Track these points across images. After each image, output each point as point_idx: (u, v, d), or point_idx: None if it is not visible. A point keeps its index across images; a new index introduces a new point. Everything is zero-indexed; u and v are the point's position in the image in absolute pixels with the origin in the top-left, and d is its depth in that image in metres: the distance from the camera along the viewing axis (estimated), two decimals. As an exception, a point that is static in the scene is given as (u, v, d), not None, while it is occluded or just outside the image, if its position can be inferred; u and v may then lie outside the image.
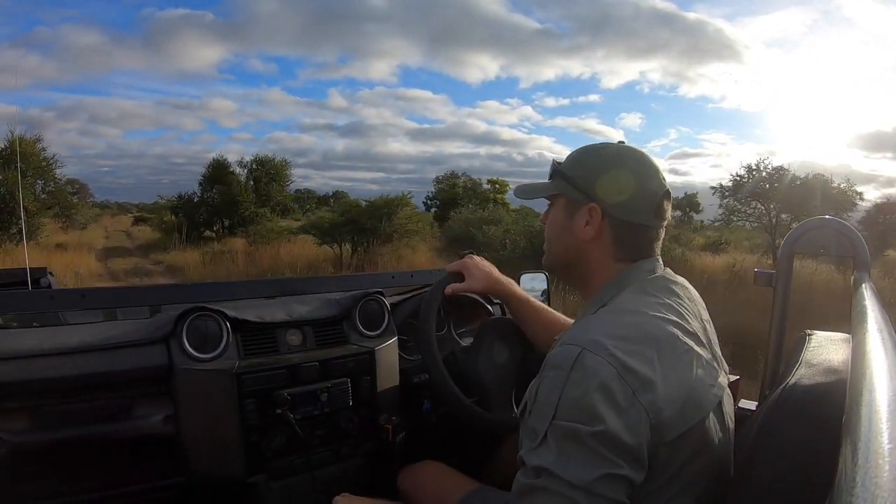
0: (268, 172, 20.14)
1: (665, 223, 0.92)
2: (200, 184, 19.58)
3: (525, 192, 1.04)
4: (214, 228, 19.34)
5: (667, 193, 0.90)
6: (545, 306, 1.35)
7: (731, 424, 0.89)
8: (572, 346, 0.76)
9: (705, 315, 0.94)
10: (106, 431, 1.14)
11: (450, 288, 1.27)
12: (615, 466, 0.70)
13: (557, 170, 0.96)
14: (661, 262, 0.93)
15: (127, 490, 1.17)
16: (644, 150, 0.93)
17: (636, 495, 0.73)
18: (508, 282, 1.33)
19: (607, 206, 0.89)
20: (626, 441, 0.71)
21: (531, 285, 1.79)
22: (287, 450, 1.25)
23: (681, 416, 0.76)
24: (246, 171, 20.20)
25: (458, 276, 1.29)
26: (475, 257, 1.33)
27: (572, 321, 1.25)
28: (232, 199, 18.56)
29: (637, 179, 0.88)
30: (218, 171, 19.48)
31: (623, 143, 0.95)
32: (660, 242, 0.92)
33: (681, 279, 0.94)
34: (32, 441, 1.08)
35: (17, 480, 1.09)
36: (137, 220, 33.82)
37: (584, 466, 0.70)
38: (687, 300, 0.90)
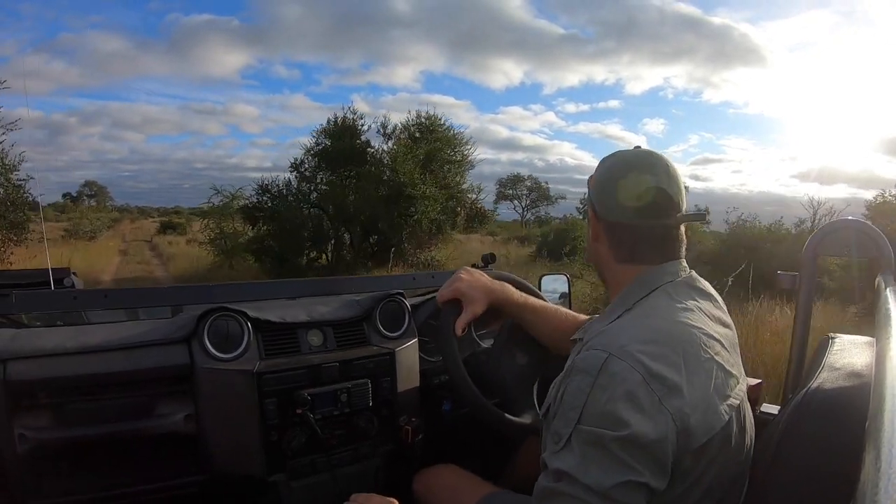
0: (436, 145, 11.32)
1: (670, 222, 0.90)
2: (295, 167, 11.02)
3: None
4: (345, 249, 11.11)
5: (657, 190, 0.88)
6: (546, 304, 1.33)
7: (751, 430, 0.89)
8: (599, 351, 0.77)
9: (728, 319, 0.94)
10: (128, 429, 1.15)
11: (458, 327, 1.22)
12: (636, 473, 0.70)
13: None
14: (685, 264, 0.93)
15: (148, 487, 1.18)
16: (656, 152, 0.93)
17: (658, 502, 0.73)
18: (503, 287, 1.28)
19: (598, 210, 0.93)
20: (651, 447, 0.71)
21: (552, 287, 1.78)
22: (307, 449, 1.25)
23: (704, 423, 0.76)
24: (391, 144, 11.37)
25: (457, 305, 1.23)
26: (463, 275, 1.26)
27: (577, 314, 1.29)
28: (396, 192, 9.94)
29: (621, 181, 0.90)
30: (345, 143, 10.70)
31: (639, 147, 0.96)
32: (679, 244, 0.92)
33: (704, 282, 0.94)
34: (55, 438, 1.10)
35: (40, 477, 1.11)
36: (165, 228, 29.75)
37: (605, 472, 0.70)
38: (710, 305, 0.90)
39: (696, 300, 0.88)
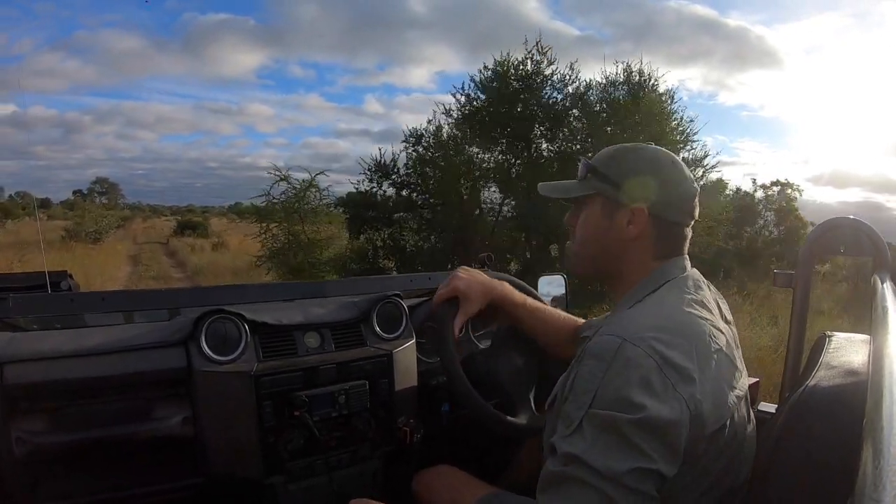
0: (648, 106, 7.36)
1: (693, 222, 0.95)
2: (415, 140, 7.38)
3: (555, 190, 1.04)
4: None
5: (697, 191, 0.94)
6: (545, 306, 1.32)
7: (752, 425, 0.90)
8: (613, 336, 0.77)
9: (730, 316, 0.96)
10: (125, 433, 1.15)
11: (456, 327, 1.21)
12: (648, 460, 0.70)
13: (594, 169, 0.95)
14: (689, 260, 0.95)
15: (145, 490, 1.18)
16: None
17: (670, 489, 0.74)
18: (502, 285, 1.27)
19: (653, 207, 0.90)
20: (665, 430, 0.71)
21: (547, 289, 1.78)
22: (304, 451, 1.25)
23: (715, 412, 0.77)
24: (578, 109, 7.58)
25: (454, 303, 1.22)
26: (461, 273, 1.25)
27: (574, 318, 1.28)
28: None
29: (676, 180, 0.92)
30: (524, 98, 6.98)
31: (653, 144, 0.97)
32: (688, 240, 0.95)
33: (705, 280, 0.96)
34: (52, 442, 1.10)
35: (38, 481, 1.11)
36: (182, 228, 26.45)
37: (617, 457, 0.70)
38: (712, 300, 0.92)
39: (703, 293, 0.90)
